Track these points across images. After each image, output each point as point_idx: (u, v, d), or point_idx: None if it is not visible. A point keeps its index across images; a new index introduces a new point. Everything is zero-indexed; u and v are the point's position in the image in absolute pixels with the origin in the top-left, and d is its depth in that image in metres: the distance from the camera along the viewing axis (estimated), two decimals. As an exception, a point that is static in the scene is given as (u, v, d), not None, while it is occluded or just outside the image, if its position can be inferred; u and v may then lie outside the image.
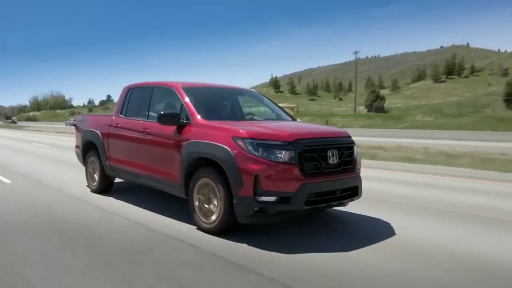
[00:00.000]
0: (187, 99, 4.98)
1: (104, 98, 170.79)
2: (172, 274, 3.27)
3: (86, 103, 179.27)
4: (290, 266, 3.47)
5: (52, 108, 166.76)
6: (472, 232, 4.68)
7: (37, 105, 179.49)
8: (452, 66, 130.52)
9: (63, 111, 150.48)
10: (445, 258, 3.72)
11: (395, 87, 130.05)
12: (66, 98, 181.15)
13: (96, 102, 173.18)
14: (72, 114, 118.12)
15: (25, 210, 5.46)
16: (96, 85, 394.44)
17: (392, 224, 4.79)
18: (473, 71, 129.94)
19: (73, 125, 8.60)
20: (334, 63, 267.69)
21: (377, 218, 5.09)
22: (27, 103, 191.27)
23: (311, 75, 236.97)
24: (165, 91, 5.53)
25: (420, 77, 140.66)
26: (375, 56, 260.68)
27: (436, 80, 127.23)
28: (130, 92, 6.09)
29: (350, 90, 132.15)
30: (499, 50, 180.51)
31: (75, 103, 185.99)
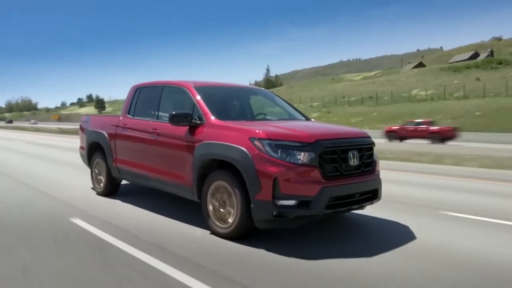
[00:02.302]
0: (199, 99, 4.55)
1: (75, 100, 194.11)
2: None
3: (59, 105, 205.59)
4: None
5: (21, 110, 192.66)
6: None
7: (10, 108, 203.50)
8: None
9: (27, 112, 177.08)
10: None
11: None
12: (33, 102, 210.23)
13: (68, 104, 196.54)
14: (34, 114, 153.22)
15: None
16: (70, 88, 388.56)
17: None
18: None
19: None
20: (318, 65, 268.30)
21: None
22: (3, 106, 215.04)
23: (295, 77, 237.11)
24: (176, 90, 5.06)
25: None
26: (356, 58, 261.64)
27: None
28: (138, 91, 5.60)
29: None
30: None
31: (48, 105, 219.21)
